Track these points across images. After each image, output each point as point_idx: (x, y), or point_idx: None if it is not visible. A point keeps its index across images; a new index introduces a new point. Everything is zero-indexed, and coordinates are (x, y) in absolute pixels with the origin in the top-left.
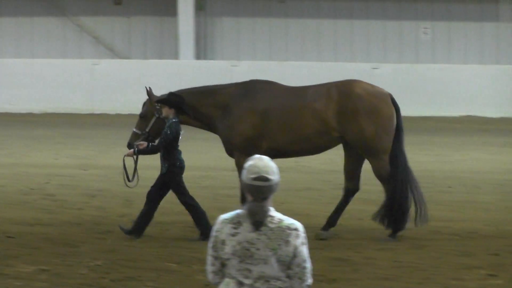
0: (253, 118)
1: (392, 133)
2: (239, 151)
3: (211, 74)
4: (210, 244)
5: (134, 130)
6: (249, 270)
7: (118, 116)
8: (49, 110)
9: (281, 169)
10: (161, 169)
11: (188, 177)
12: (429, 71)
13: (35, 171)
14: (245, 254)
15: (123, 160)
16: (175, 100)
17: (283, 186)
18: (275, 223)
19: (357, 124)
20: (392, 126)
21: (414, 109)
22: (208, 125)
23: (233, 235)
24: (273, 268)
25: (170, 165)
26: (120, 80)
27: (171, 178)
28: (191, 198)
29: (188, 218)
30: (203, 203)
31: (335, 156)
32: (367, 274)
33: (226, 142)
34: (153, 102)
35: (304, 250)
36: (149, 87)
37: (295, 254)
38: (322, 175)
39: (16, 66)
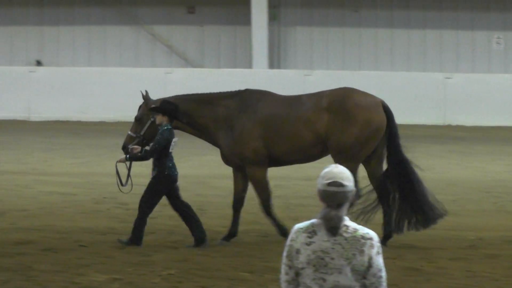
0: (256, 128)
1: (375, 143)
2: (249, 162)
3: (284, 83)
4: (284, 253)
5: (129, 133)
6: (324, 280)
7: None
8: (121, 119)
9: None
10: (151, 175)
11: None
12: (501, 81)
13: (107, 180)
14: (320, 263)
15: (116, 166)
16: (168, 108)
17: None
18: (349, 233)
19: (341, 132)
20: (378, 135)
21: (486, 119)
22: (204, 134)
23: (308, 244)
24: (347, 278)
25: (158, 172)
26: (193, 89)
27: (154, 183)
28: (150, 212)
29: (260, 227)
30: (276, 212)
31: None
32: (439, 284)
33: (231, 155)
34: (148, 107)
35: (379, 260)
36: (146, 91)
37: (370, 264)
38: None
39: (88, 75)
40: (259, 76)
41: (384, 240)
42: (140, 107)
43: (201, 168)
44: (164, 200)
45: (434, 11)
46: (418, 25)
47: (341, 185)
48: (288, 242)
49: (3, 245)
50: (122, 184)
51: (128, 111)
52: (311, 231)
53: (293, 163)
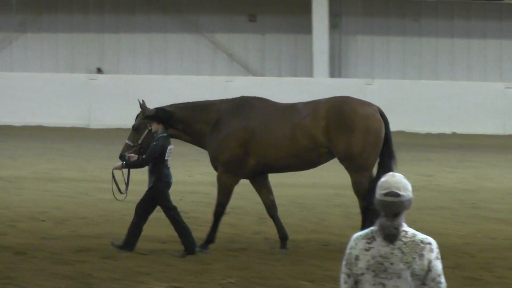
0: (241, 135)
1: (379, 149)
2: (223, 167)
3: (345, 92)
4: (343, 262)
5: (127, 141)
6: (384, 285)
7: None
8: None
9: (413, 188)
10: (148, 183)
11: (320, 195)
12: None
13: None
14: (379, 269)
15: (112, 173)
16: (163, 115)
17: (415, 205)
18: (408, 237)
19: (345, 140)
20: (379, 141)
21: None
22: (199, 141)
23: (367, 249)
24: (407, 283)
25: (156, 180)
26: None
27: (157, 192)
28: (177, 213)
29: (320, 236)
30: (336, 221)
31: (469, 175)
32: None
33: (213, 157)
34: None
35: (439, 265)
36: (142, 100)
37: (430, 268)
38: (454, 193)
39: (149, 83)
40: (320, 85)
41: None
42: (137, 116)
43: None
44: (227, 208)
45: (495, 21)
46: (478, 34)
47: (397, 195)
48: (347, 250)
49: (63, 252)
50: (120, 192)
51: None
52: (370, 237)
53: (289, 170)
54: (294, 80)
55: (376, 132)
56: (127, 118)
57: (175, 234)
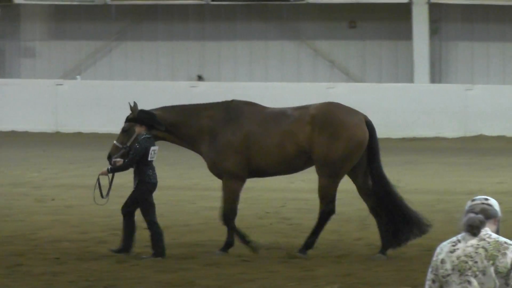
0: (239, 142)
1: (357, 158)
2: (228, 175)
3: (445, 98)
4: (429, 269)
5: (115, 143)
6: (469, 282)
7: None
8: None
9: None
10: (133, 184)
11: (422, 201)
12: None
13: (270, 195)
14: (464, 267)
15: (98, 178)
16: (144, 117)
17: None
18: (492, 238)
19: (326, 147)
20: (360, 151)
21: None
22: (190, 144)
23: (452, 251)
24: (491, 279)
25: (139, 181)
26: (355, 104)
27: (138, 193)
28: (155, 216)
29: (423, 241)
30: (438, 226)
31: None
32: None
33: (212, 165)
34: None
35: None
36: (134, 102)
37: None
38: None
39: (250, 90)
40: (420, 91)
41: (383, 251)
42: (127, 118)
43: None
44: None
45: None
46: None
47: (486, 198)
48: (433, 258)
49: (166, 260)
50: (102, 196)
51: None
52: (455, 241)
53: (277, 174)
54: (394, 86)
55: (358, 141)
56: None
57: (278, 240)
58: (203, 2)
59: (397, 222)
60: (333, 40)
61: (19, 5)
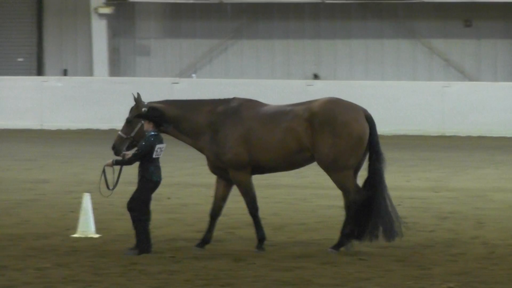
0: (241, 135)
1: (361, 152)
2: (233, 168)
3: None
4: None
5: (120, 133)
6: None
7: (469, 138)
8: (400, 132)
9: None
10: (138, 179)
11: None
12: None
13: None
14: None
15: (103, 169)
16: (153, 114)
17: None
18: None
19: (326, 142)
20: (362, 145)
21: None
22: (190, 139)
23: None
24: None
25: (141, 178)
26: (470, 102)
27: (142, 191)
28: (144, 213)
29: None
30: None
31: None
32: None
33: (214, 160)
34: (139, 109)
35: None
36: (138, 93)
37: None
38: None
39: (365, 89)
40: None
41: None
42: (131, 109)
43: (479, 181)
44: (445, 213)
45: None
46: None
47: None
48: None
49: (282, 259)
50: (108, 188)
51: (406, 125)
52: None
53: (277, 171)
54: (510, 85)
55: (358, 137)
56: None
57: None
58: (318, 1)
59: (369, 217)
60: (448, 38)
61: (134, 3)
